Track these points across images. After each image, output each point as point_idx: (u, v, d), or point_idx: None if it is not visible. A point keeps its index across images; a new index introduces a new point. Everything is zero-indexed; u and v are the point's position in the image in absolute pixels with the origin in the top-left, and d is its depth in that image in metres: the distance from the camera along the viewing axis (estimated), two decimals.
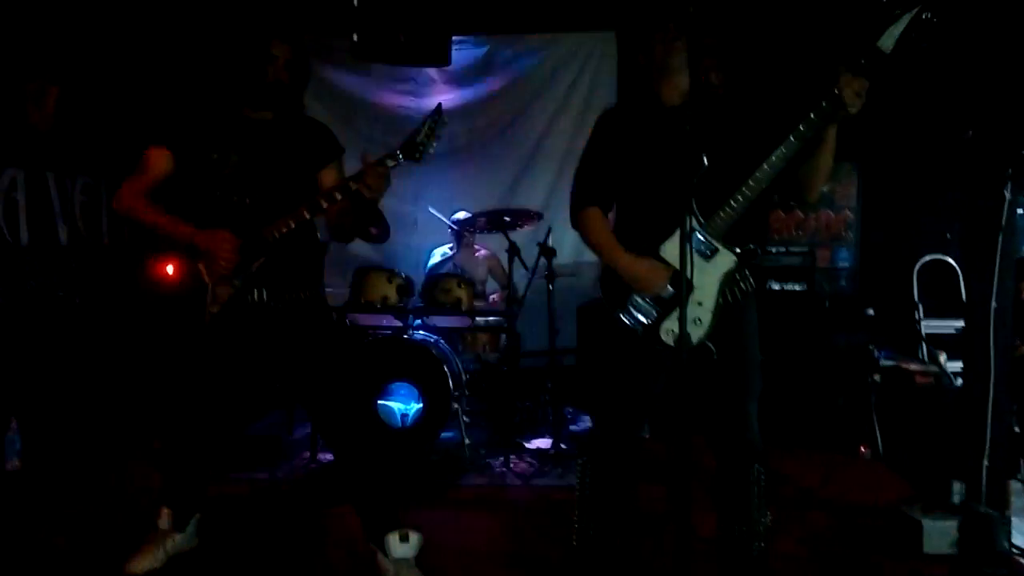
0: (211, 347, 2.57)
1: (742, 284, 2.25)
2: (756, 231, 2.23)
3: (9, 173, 4.04)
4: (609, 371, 2.36)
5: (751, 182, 2.10)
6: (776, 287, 4.50)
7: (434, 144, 2.40)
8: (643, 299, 2.21)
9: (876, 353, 4.38)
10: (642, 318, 2.20)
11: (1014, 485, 3.21)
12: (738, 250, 2.17)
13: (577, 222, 2.39)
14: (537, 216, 4.45)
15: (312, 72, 2.71)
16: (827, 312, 4.53)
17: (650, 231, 2.22)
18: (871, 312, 5.29)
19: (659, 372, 2.26)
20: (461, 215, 4.99)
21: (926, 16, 1.99)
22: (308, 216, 2.49)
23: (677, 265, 1.87)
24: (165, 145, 2.55)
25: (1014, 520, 2.94)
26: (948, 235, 4.92)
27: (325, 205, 2.46)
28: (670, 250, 2.16)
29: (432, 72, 5.55)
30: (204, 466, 2.74)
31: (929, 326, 4.81)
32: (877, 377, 4.22)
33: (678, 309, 1.85)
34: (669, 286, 2.17)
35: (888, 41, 1.98)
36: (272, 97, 2.54)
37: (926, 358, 4.52)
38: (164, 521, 2.66)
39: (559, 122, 5.58)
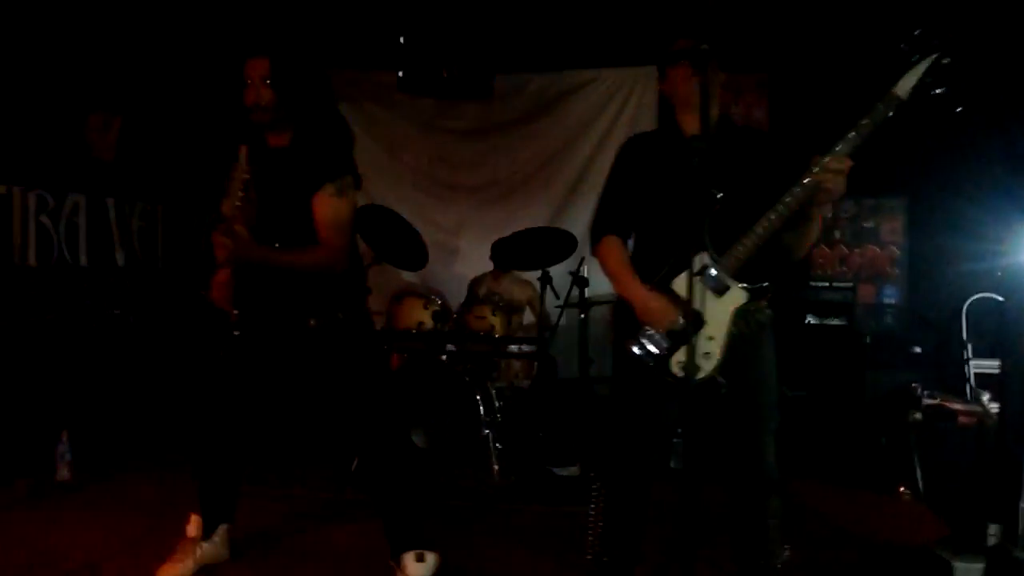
0: (233, 363, 2.66)
1: (758, 316, 2.26)
2: (772, 268, 2.24)
3: (72, 198, 4.30)
4: (620, 400, 2.39)
5: (764, 222, 2.12)
6: (815, 322, 4.44)
7: None
8: (655, 330, 2.23)
9: (919, 391, 4.30)
10: (653, 349, 2.21)
11: None
12: (750, 287, 2.18)
13: (595, 250, 2.43)
14: (569, 237, 4.48)
15: (360, 105, 2.65)
16: (867, 348, 4.45)
17: (663, 263, 2.24)
18: (918, 350, 5.18)
19: (670, 404, 2.27)
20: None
21: (945, 62, 2.00)
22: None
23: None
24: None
25: None
26: (999, 272, 4.79)
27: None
28: (681, 285, 2.15)
29: (476, 105, 5.63)
30: (233, 475, 2.81)
31: (979, 366, 4.67)
32: (919, 415, 4.12)
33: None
34: (680, 319, 2.19)
35: (905, 87, 2.00)
36: (259, 119, 2.52)
37: (971, 398, 4.40)
38: (193, 528, 2.74)
39: (601, 156, 5.54)
